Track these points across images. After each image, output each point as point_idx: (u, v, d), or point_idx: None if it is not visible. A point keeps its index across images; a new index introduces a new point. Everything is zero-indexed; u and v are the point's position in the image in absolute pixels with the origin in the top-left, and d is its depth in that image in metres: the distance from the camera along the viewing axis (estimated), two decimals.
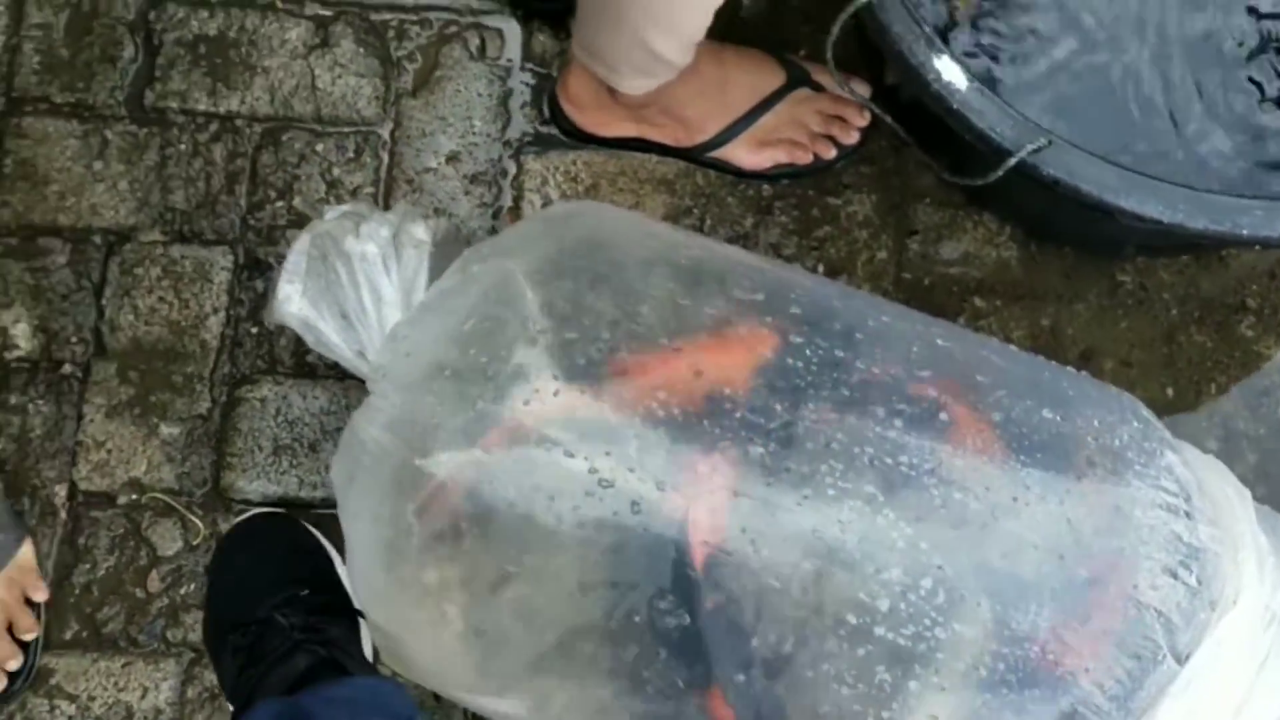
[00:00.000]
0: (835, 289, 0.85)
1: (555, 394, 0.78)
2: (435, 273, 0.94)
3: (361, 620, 0.95)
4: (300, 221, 1.06)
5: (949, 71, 0.83)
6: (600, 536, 0.75)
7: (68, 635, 0.97)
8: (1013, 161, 0.82)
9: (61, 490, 0.99)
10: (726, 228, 1.06)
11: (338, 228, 0.93)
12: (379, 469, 0.83)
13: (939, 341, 0.81)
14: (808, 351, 0.78)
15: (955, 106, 0.83)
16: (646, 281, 0.82)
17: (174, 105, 1.08)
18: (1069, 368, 0.86)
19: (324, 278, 0.92)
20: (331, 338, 0.92)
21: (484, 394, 0.80)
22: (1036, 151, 0.81)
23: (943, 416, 0.76)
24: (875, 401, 0.76)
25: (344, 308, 0.92)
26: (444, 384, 0.82)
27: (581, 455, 0.76)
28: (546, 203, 1.07)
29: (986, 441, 0.76)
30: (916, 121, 0.98)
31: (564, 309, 0.81)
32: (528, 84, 1.10)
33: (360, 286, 0.91)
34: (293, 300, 0.90)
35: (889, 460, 0.73)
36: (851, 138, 1.06)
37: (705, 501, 0.73)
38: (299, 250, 0.91)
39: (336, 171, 1.07)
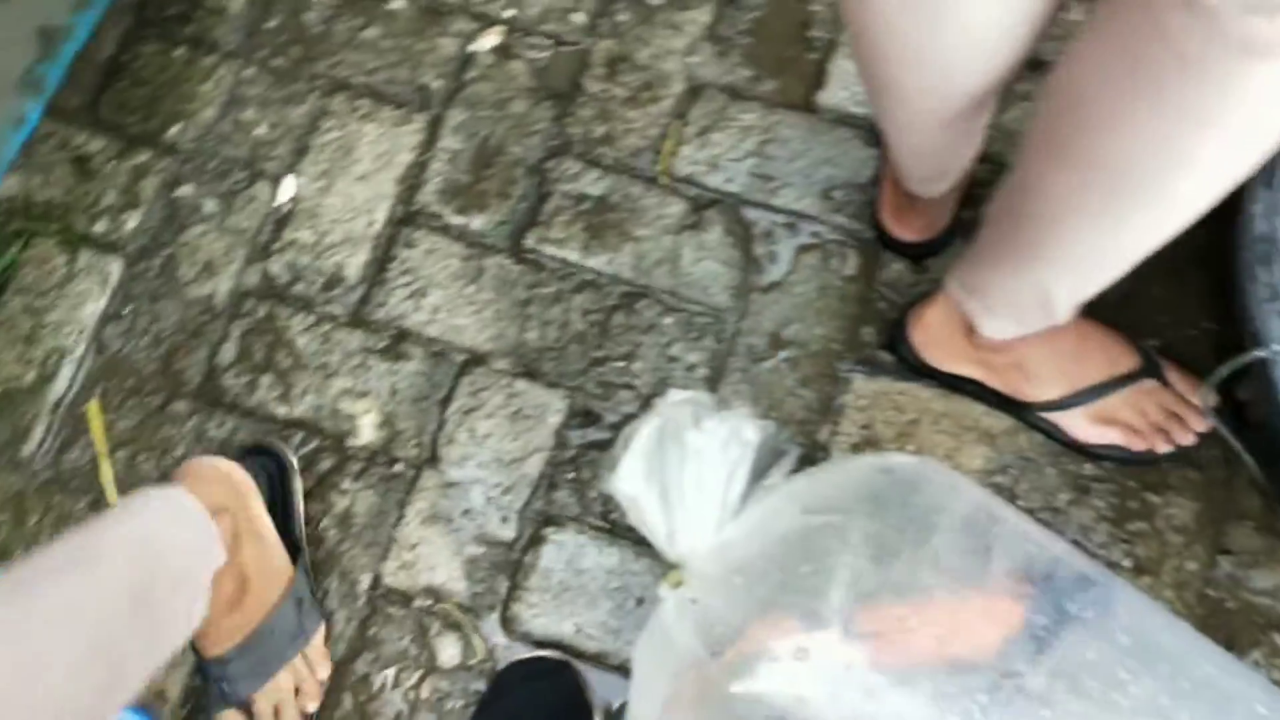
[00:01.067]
0: (1162, 618, 0.85)
1: (870, 676, 0.80)
2: (753, 471, 0.98)
3: None
4: (633, 385, 1.12)
5: None
6: None
7: (336, 716, 1.04)
8: None
9: (366, 579, 1.07)
10: (1039, 497, 1.07)
11: (681, 416, 0.98)
12: (681, 667, 0.87)
13: (1259, 709, 0.80)
14: (1133, 689, 0.78)
15: None
16: (984, 576, 0.83)
17: (549, 251, 1.16)
18: None
19: (658, 458, 0.97)
20: (650, 517, 0.96)
21: (800, 636, 0.83)
22: None
23: None
24: None
25: (666, 489, 0.97)
26: (762, 611, 0.85)
27: None
28: (867, 425, 1.10)
29: None
30: (1260, 444, 0.96)
31: (895, 584, 0.83)
32: (874, 305, 1.14)
33: (687, 476, 0.96)
34: (632, 479, 0.96)
35: None
36: (1188, 439, 1.05)
37: None
38: (648, 433, 0.96)
39: (678, 347, 1.13)
